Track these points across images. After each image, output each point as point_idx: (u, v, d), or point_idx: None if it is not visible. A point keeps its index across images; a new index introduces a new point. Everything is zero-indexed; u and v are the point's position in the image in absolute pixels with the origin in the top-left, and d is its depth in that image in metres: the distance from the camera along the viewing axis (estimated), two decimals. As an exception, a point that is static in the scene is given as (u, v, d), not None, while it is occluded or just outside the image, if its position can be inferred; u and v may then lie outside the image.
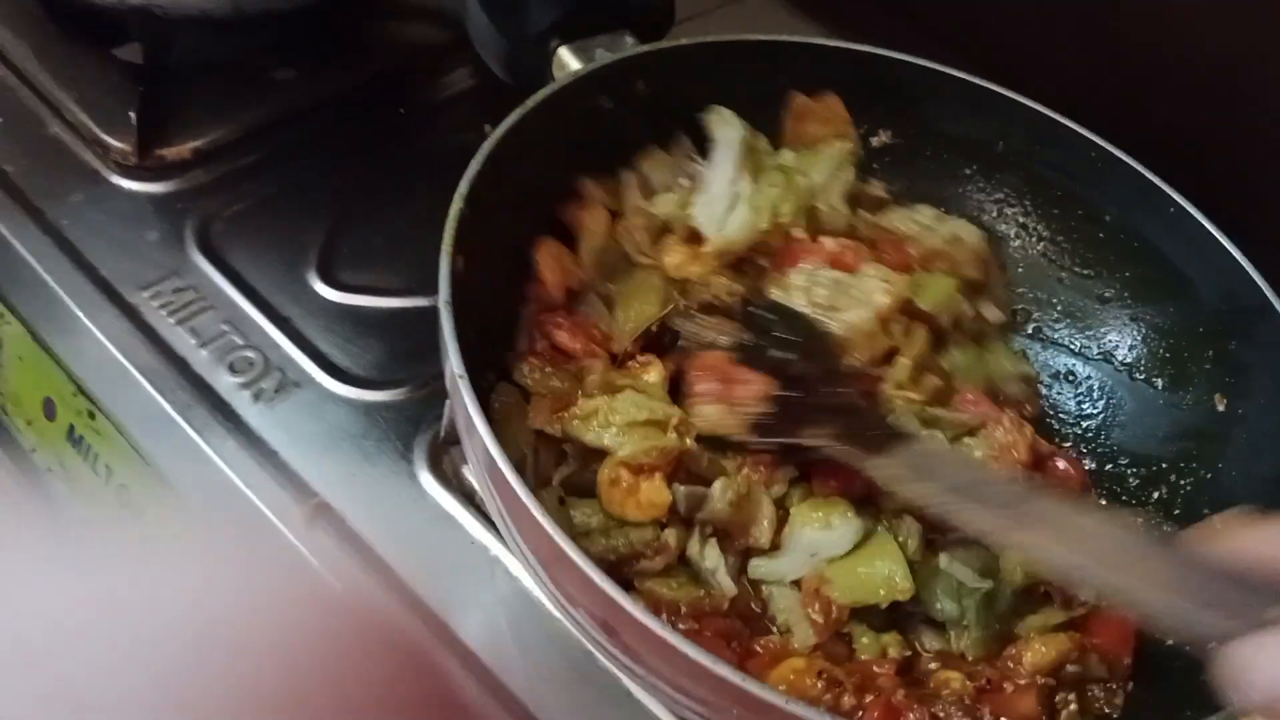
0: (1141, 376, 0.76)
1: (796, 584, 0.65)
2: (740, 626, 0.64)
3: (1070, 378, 0.79)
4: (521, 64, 0.77)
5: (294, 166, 0.94)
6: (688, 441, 0.65)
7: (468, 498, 0.74)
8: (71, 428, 0.82)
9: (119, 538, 0.83)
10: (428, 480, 0.75)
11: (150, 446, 0.78)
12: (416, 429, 0.77)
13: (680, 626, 0.60)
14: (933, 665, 0.64)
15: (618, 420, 0.65)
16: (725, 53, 0.77)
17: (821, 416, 0.65)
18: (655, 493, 0.63)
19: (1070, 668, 0.64)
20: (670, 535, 0.64)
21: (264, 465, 0.74)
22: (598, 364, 0.69)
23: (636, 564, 0.63)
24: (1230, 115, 0.90)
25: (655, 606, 0.61)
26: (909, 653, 0.64)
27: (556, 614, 0.69)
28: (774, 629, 0.65)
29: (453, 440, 0.75)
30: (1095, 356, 0.78)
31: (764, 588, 0.66)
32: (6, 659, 0.40)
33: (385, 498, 0.74)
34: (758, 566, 0.65)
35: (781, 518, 0.66)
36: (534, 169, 0.72)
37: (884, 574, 0.63)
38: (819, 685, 0.60)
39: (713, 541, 0.65)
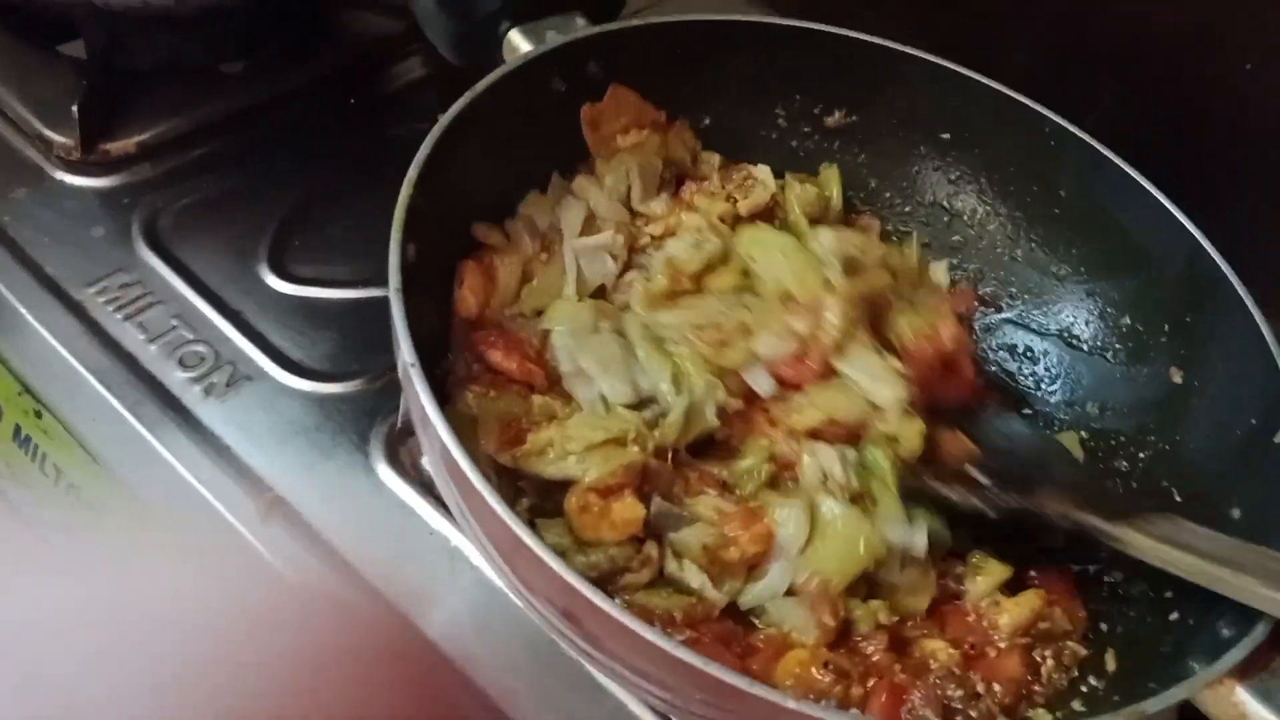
0: (1099, 351, 0.76)
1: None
2: (736, 627, 0.63)
3: (1029, 354, 0.79)
4: (471, 47, 0.76)
5: (243, 160, 0.92)
6: (649, 449, 0.63)
7: (426, 488, 0.73)
8: (18, 428, 0.81)
9: (73, 539, 0.81)
10: (385, 472, 0.74)
11: (100, 445, 0.76)
12: (373, 421, 0.76)
13: (678, 636, 0.59)
14: (915, 634, 0.64)
15: (575, 447, 0.63)
16: (678, 33, 0.77)
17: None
18: (627, 510, 0.62)
19: (1041, 625, 0.64)
20: (651, 547, 0.62)
21: (216, 461, 0.73)
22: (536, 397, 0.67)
23: (621, 579, 0.62)
24: (1189, 92, 0.90)
25: (649, 618, 0.59)
26: (896, 618, 0.64)
27: (519, 603, 0.68)
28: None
29: (410, 431, 0.74)
30: (1052, 332, 0.79)
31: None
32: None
33: (342, 491, 0.73)
34: (747, 597, 0.64)
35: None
36: (487, 154, 0.71)
37: (857, 541, 0.63)
38: (827, 677, 0.59)
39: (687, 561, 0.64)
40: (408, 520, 0.72)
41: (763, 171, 0.79)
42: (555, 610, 0.55)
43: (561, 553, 0.58)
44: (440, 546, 0.71)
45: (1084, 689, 0.61)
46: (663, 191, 0.78)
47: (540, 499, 0.64)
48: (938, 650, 0.63)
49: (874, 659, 0.62)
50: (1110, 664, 0.62)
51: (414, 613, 0.69)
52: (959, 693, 0.60)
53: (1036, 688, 0.62)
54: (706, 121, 0.81)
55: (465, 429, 0.63)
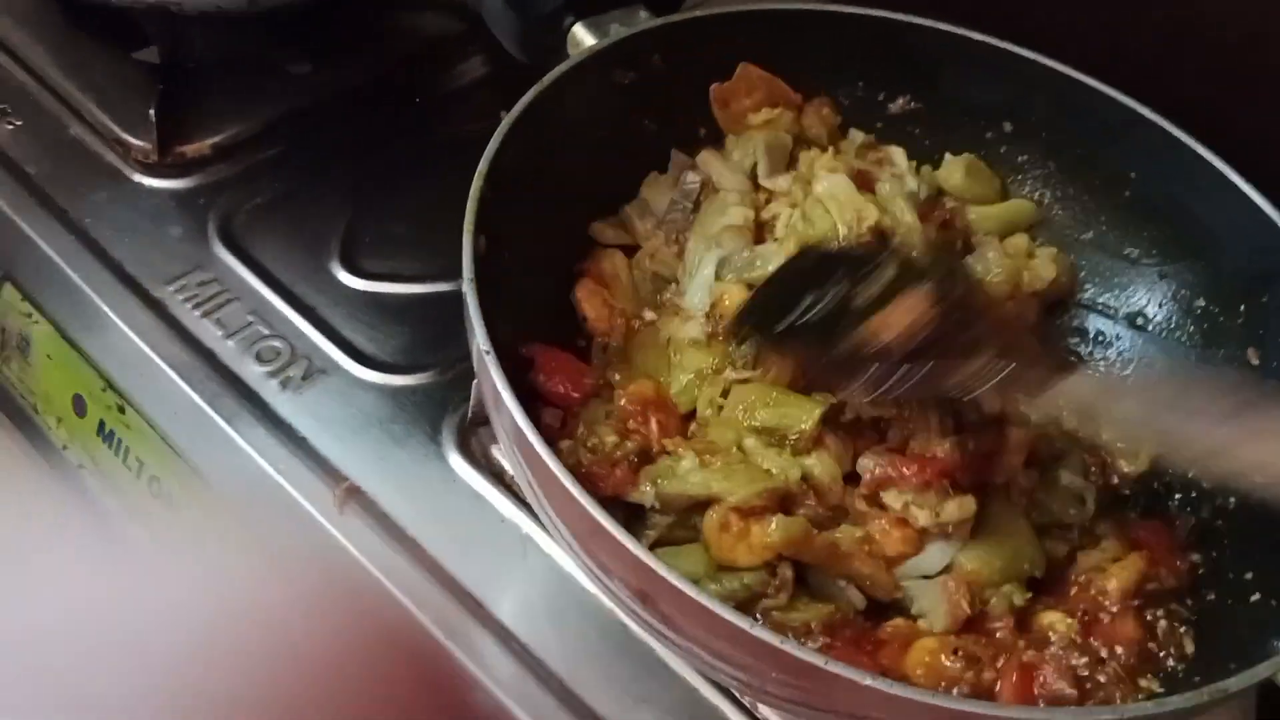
0: (1172, 334, 0.75)
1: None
2: (865, 624, 0.62)
3: (1100, 339, 0.78)
4: (536, 42, 0.77)
5: (313, 159, 0.94)
6: (796, 476, 0.63)
7: (497, 478, 0.74)
8: (102, 423, 0.83)
9: (154, 531, 0.84)
10: (457, 461, 0.75)
11: (180, 438, 0.78)
12: (444, 411, 0.77)
13: (812, 645, 0.59)
14: (1032, 608, 0.64)
15: (718, 464, 0.62)
16: (741, 23, 0.77)
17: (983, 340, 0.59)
18: (766, 534, 0.60)
19: (1149, 586, 0.64)
20: (786, 568, 0.61)
21: (294, 452, 0.74)
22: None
23: (759, 604, 0.61)
24: (1256, 79, 0.88)
25: (784, 632, 0.59)
26: (1029, 596, 0.64)
27: (591, 588, 0.69)
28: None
29: (480, 421, 0.75)
30: (1125, 316, 0.78)
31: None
32: (34, 652, 0.40)
33: (415, 480, 0.74)
34: (902, 577, 0.64)
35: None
36: (554, 146, 0.72)
37: (1021, 553, 0.64)
38: (958, 664, 0.59)
39: None
40: (480, 509, 0.73)
41: (898, 154, 0.79)
42: (630, 591, 0.56)
43: (695, 580, 0.56)
44: (512, 534, 0.72)
45: (1162, 671, 0.61)
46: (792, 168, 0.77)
47: (666, 530, 0.63)
48: (1056, 622, 0.63)
49: (996, 636, 0.62)
50: (1189, 646, 0.61)
51: (487, 599, 0.70)
52: (1083, 660, 0.60)
53: (1152, 645, 0.62)
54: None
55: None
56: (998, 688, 0.58)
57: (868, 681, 0.46)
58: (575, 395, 0.66)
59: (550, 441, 0.57)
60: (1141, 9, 0.91)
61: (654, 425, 0.64)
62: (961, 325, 0.60)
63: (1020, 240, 0.78)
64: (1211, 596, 0.64)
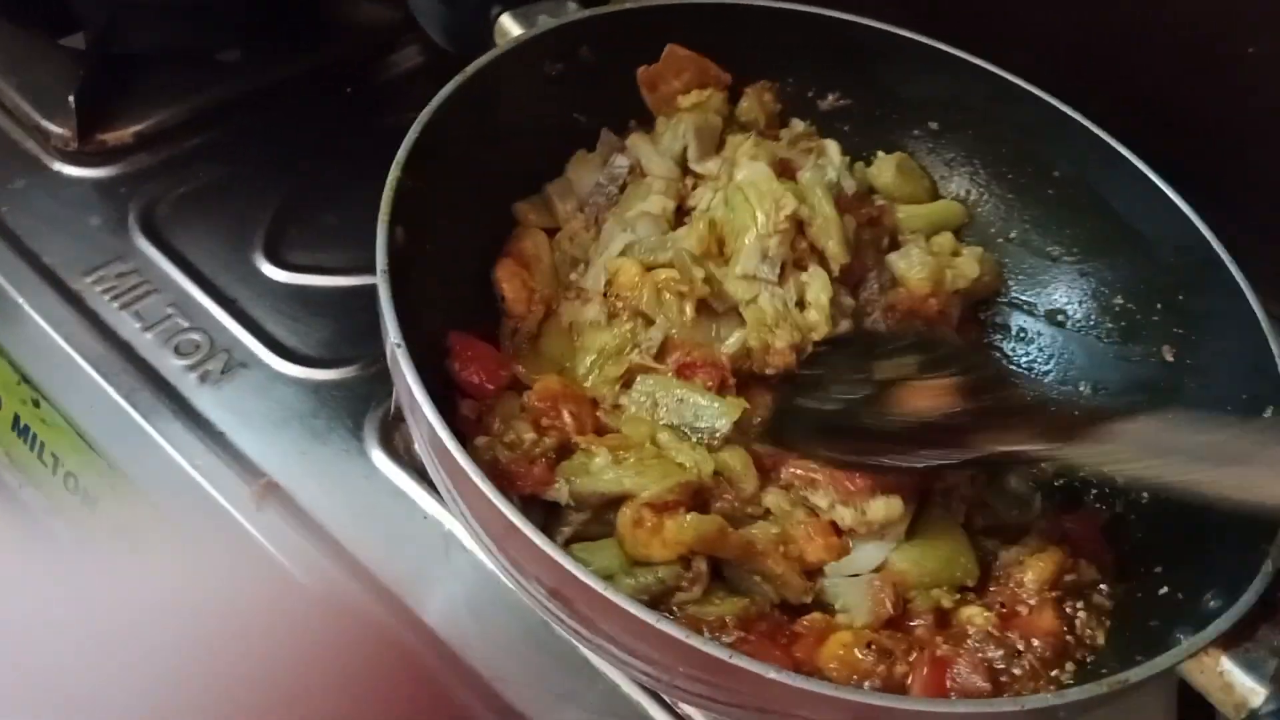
0: (1091, 331, 0.76)
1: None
2: (781, 617, 0.62)
3: (1022, 335, 0.79)
4: (464, 32, 0.76)
5: (240, 149, 0.92)
6: (709, 470, 0.63)
7: (420, 474, 0.73)
8: (16, 417, 0.81)
9: (73, 527, 0.82)
10: (379, 457, 0.74)
11: (97, 433, 0.77)
12: (367, 406, 0.76)
13: (726, 639, 0.59)
14: (949, 604, 0.64)
15: (631, 462, 0.62)
16: (671, 16, 0.77)
17: (1011, 420, 0.60)
18: (679, 530, 0.59)
19: (1067, 577, 0.65)
20: (701, 562, 0.61)
21: (212, 447, 0.73)
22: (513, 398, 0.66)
23: (673, 598, 0.60)
24: (1191, 76, 0.89)
25: (698, 626, 0.59)
26: (957, 598, 0.64)
27: (511, 586, 0.68)
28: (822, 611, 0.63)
29: (403, 416, 0.74)
30: (1045, 313, 0.78)
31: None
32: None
33: (337, 476, 0.73)
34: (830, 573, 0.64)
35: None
36: (480, 138, 0.71)
37: (954, 562, 0.65)
38: (870, 657, 0.59)
39: None
40: (402, 505, 0.72)
41: (831, 147, 0.79)
42: (544, 590, 0.55)
43: (609, 576, 0.58)
44: (435, 531, 0.72)
45: (1071, 662, 0.61)
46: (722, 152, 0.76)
47: (581, 526, 0.62)
48: (974, 615, 0.63)
49: (915, 632, 0.62)
50: (1099, 638, 0.62)
51: (409, 597, 0.69)
52: (999, 653, 0.61)
53: (1070, 638, 0.62)
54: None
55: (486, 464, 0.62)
56: (909, 681, 0.58)
57: (772, 675, 0.46)
58: (490, 387, 0.66)
59: (465, 438, 0.56)
60: (1085, 11, 0.92)
61: (567, 418, 0.64)
62: (990, 411, 0.60)
63: (945, 239, 0.78)
64: (1122, 589, 0.64)
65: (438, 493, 0.71)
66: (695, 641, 0.46)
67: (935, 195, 0.82)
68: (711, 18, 0.78)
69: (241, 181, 0.91)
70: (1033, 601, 0.64)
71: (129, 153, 0.90)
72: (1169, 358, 0.71)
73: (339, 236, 0.88)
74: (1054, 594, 0.64)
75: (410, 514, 0.72)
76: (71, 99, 0.88)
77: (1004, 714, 0.51)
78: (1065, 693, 0.49)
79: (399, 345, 0.56)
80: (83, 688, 0.42)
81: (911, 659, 0.59)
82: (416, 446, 0.72)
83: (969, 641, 0.61)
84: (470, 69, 0.69)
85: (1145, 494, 0.67)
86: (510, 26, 0.75)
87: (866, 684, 0.57)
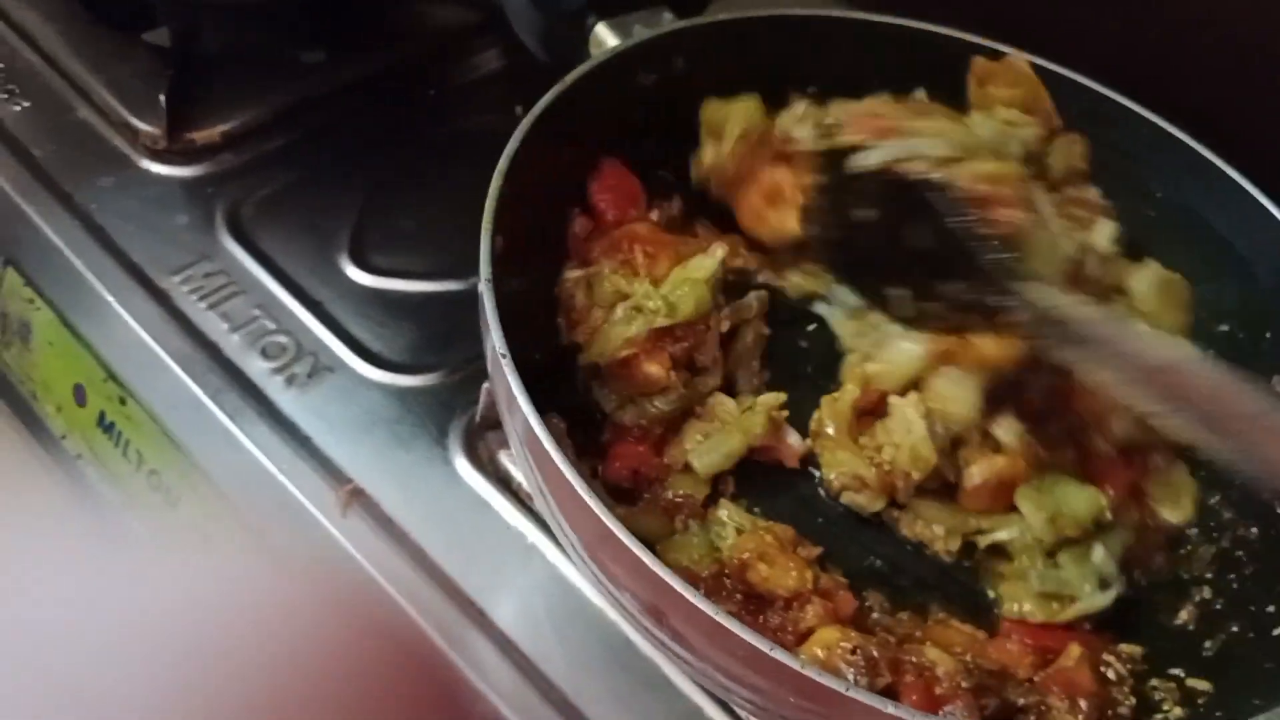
0: (1194, 360, 0.74)
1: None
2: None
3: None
4: (558, 41, 0.76)
5: (323, 150, 0.93)
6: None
7: (503, 484, 0.72)
8: (102, 414, 0.82)
9: (152, 525, 0.82)
10: (463, 466, 0.73)
11: (182, 432, 0.77)
12: (451, 414, 0.76)
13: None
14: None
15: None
16: (765, 28, 0.76)
17: None
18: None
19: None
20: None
21: (297, 451, 0.73)
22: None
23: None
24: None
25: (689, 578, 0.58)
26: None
27: (596, 600, 0.67)
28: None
29: (489, 425, 0.74)
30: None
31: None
32: (25, 646, 0.39)
33: (420, 483, 0.73)
34: None
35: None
36: (572, 147, 0.71)
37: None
38: (856, 661, 0.56)
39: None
40: (484, 515, 0.72)
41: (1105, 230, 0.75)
42: (641, 606, 0.55)
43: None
44: (517, 542, 0.71)
45: (1185, 705, 0.59)
46: None
47: None
48: (939, 657, 0.59)
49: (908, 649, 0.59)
50: (1205, 684, 0.60)
51: (489, 607, 0.68)
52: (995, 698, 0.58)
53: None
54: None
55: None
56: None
57: (891, 710, 0.45)
58: (610, 218, 0.72)
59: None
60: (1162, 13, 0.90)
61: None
62: None
63: None
64: (1235, 628, 0.62)
65: (521, 504, 0.71)
66: (811, 673, 0.45)
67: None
68: (806, 30, 0.77)
69: (325, 183, 0.90)
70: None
71: (216, 152, 0.90)
72: None
73: (421, 240, 0.87)
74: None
75: (493, 524, 0.72)
76: (162, 97, 0.89)
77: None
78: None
79: (504, 355, 0.56)
80: (153, 690, 0.42)
81: (906, 679, 0.57)
82: (506, 455, 0.71)
83: (963, 681, 0.57)
84: (569, 78, 0.69)
85: (1255, 528, 0.65)
86: (606, 36, 0.74)
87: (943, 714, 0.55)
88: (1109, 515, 0.63)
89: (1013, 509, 0.64)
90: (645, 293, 0.66)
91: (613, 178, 0.73)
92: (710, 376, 0.67)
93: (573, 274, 0.69)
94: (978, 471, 0.63)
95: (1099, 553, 0.63)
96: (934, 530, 0.64)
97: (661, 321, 0.65)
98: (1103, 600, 0.62)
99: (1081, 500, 0.63)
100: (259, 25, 0.97)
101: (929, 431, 0.63)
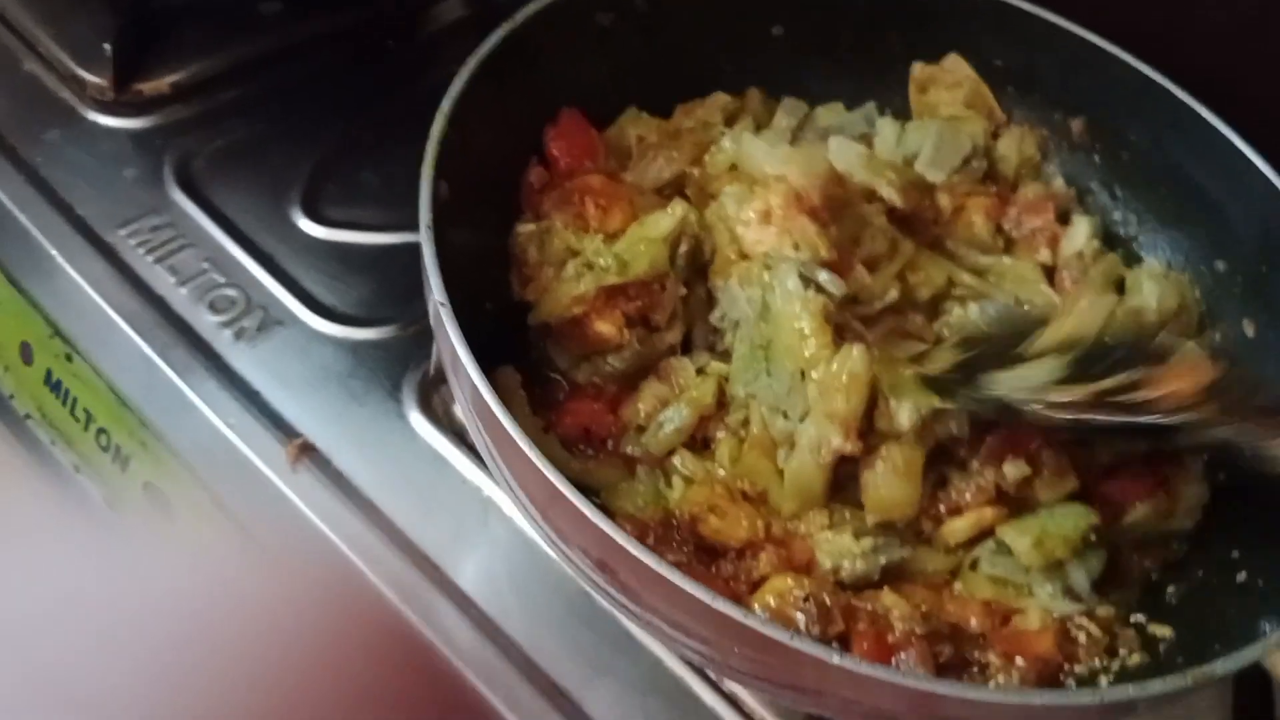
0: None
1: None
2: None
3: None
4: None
5: (279, 102, 0.90)
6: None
7: (459, 437, 0.71)
8: (49, 372, 0.79)
9: (104, 485, 0.80)
10: (418, 420, 0.72)
11: (129, 390, 0.75)
12: (405, 368, 0.74)
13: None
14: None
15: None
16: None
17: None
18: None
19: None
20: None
21: (246, 406, 0.71)
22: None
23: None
24: (1268, 49, 0.85)
25: (635, 530, 0.58)
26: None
27: (553, 555, 0.66)
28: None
29: (443, 378, 0.72)
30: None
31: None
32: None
33: (374, 438, 0.71)
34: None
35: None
36: (526, 91, 0.69)
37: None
38: (808, 610, 0.55)
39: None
40: (441, 470, 0.70)
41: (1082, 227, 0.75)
42: (590, 561, 0.53)
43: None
44: (474, 497, 0.69)
45: (1146, 651, 0.58)
46: None
47: None
48: (895, 604, 0.58)
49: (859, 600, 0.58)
50: (1166, 630, 0.59)
51: (446, 564, 0.67)
52: (948, 649, 0.57)
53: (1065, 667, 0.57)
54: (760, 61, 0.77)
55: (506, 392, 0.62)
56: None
57: (835, 660, 0.43)
58: (565, 164, 0.69)
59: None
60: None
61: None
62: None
63: None
64: (1200, 573, 0.61)
65: (477, 458, 0.69)
66: (754, 623, 0.44)
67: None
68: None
69: (279, 136, 0.88)
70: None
71: (165, 104, 0.87)
72: (1250, 333, 0.67)
73: (378, 193, 0.85)
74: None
75: (449, 479, 0.70)
76: (108, 47, 0.86)
77: (1078, 705, 0.48)
78: (1147, 685, 0.46)
79: (443, 304, 0.54)
80: (116, 661, 0.40)
81: (859, 627, 0.55)
82: (457, 408, 0.69)
83: (917, 628, 0.56)
84: (519, 17, 0.66)
85: (1222, 474, 0.63)
86: (561, -27, 0.71)
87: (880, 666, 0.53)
88: (1095, 537, 0.60)
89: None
90: (596, 249, 0.64)
91: (569, 127, 0.70)
92: (668, 334, 0.65)
93: (525, 228, 0.67)
94: (962, 528, 0.61)
95: (1077, 574, 0.60)
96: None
97: (612, 280, 0.63)
98: (1066, 608, 0.59)
99: (1069, 519, 0.60)
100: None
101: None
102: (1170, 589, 0.62)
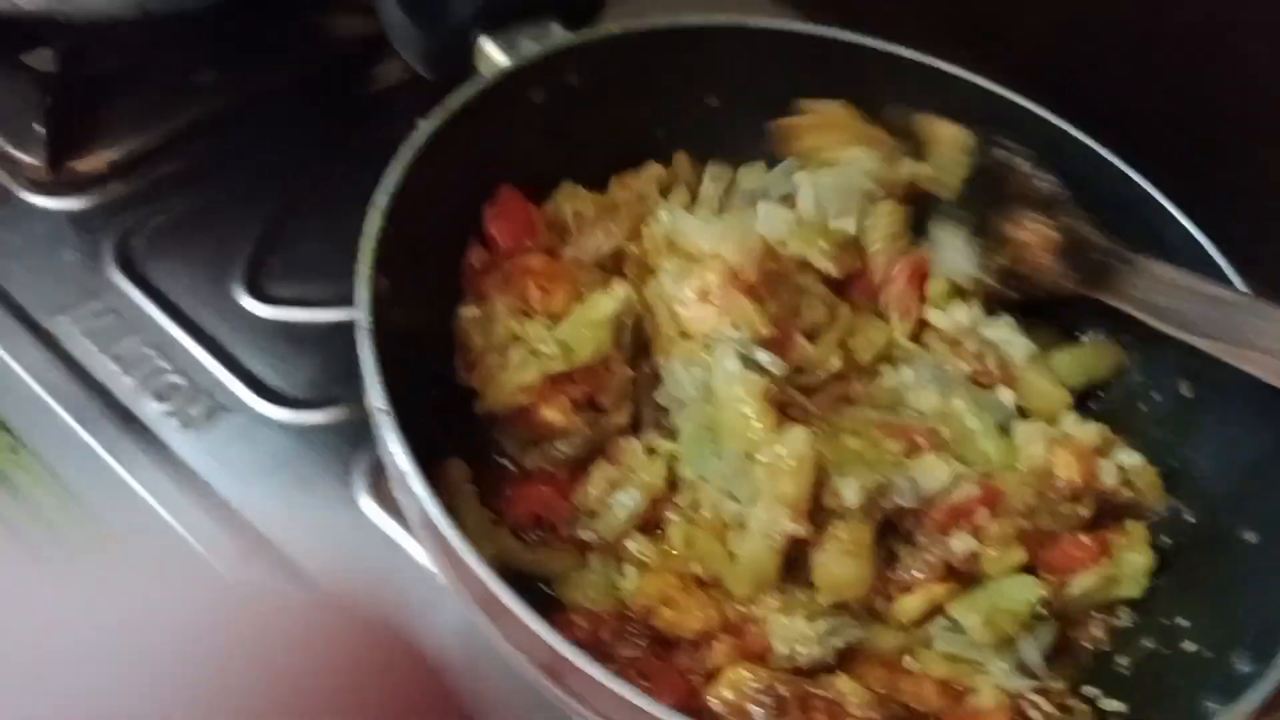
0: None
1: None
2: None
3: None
4: (442, 58, 0.73)
5: (218, 175, 0.89)
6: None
7: (411, 523, 0.70)
8: (-7, 466, 0.79)
9: (58, 577, 0.79)
10: (369, 505, 0.71)
11: (75, 481, 0.74)
12: (355, 449, 0.73)
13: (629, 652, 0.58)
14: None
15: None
16: (660, 40, 0.73)
17: None
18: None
19: None
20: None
21: (194, 499, 0.70)
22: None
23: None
24: (1195, 84, 0.86)
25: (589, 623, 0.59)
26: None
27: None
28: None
29: (392, 464, 0.71)
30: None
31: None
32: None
33: (325, 526, 0.71)
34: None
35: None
36: (464, 173, 0.68)
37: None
38: (766, 702, 0.56)
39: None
40: (395, 556, 0.70)
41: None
42: (538, 667, 0.53)
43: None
44: (428, 583, 0.69)
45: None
46: None
47: None
48: (849, 690, 0.58)
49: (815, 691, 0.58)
50: (1119, 705, 0.60)
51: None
52: None
53: None
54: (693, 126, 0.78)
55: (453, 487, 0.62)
56: None
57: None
58: (505, 246, 0.69)
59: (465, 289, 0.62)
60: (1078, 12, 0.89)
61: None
62: None
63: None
64: (1146, 642, 0.62)
65: (430, 544, 0.69)
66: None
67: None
68: (701, 39, 0.75)
69: (220, 208, 0.87)
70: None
71: (103, 182, 0.86)
72: (1186, 393, 0.68)
73: (322, 266, 0.84)
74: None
75: (403, 565, 0.69)
76: (39, 126, 0.85)
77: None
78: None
79: (384, 411, 0.53)
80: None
81: (815, 717, 0.55)
82: (403, 508, 0.69)
83: (873, 714, 0.56)
84: (452, 103, 0.66)
85: (1169, 539, 0.64)
86: (492, 52, 0.71)
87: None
88: (1044, 610, 0.61)
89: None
90: (539, 336, 0.64)
91: (508, 207, 0.70)
92: (616, 415, 0.65)
93: (469, 312, 0.67)
94: (914, 605, 0.61)
95: (1028, 649, 0.61)
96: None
97: (557, 367, 0.62)
98: (1019, 684, 0.60)
99: (1019, 591, 0.60)
100: (146, 45, 0.92)
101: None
102: (1120, 660, 0.62)
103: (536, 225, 0.70)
